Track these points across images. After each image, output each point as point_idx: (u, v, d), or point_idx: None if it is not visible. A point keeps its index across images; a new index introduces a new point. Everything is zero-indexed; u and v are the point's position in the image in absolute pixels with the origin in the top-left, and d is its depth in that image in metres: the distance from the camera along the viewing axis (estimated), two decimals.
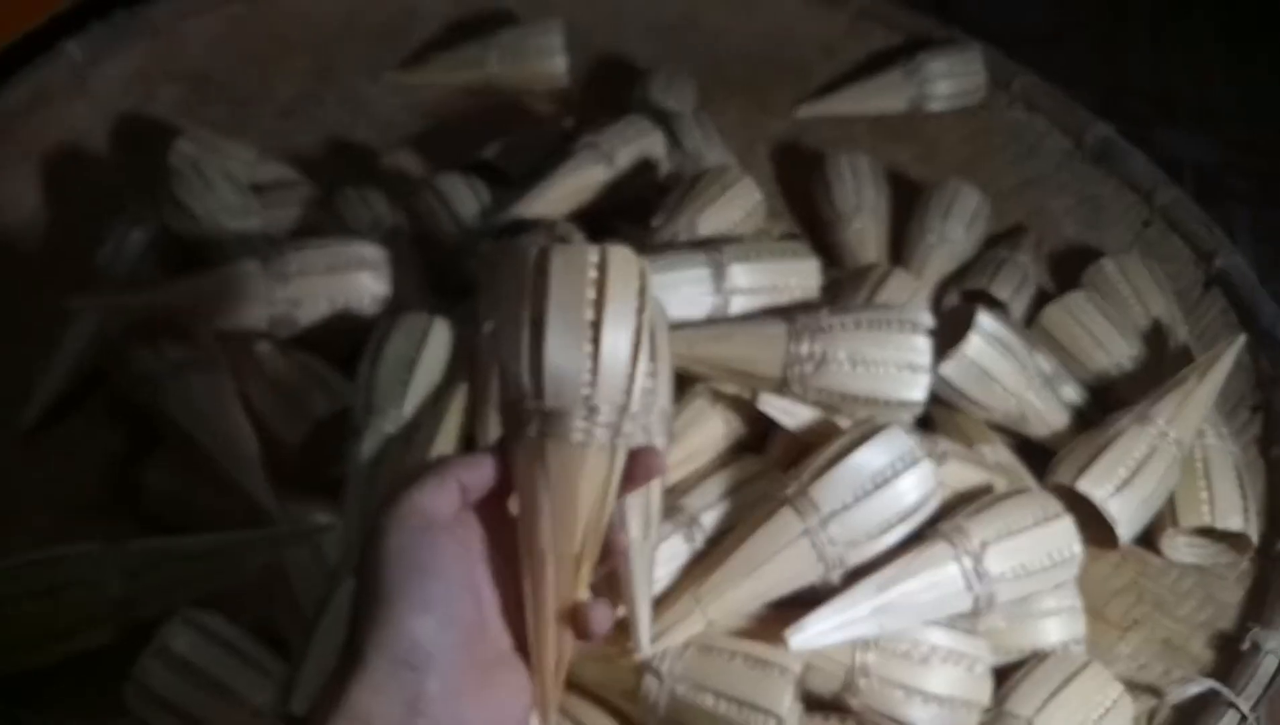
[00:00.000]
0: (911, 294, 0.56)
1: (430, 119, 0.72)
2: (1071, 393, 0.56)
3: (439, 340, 0.48)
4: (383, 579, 0.28)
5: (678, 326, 0.48)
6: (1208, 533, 0.53)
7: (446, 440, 0.45)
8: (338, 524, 0.45)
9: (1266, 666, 0.48)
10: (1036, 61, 0.74)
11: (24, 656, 0.44)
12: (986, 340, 0.52)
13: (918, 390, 0.46)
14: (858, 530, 0.42)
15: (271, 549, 0.45)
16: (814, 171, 0.66)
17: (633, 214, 0.58)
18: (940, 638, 0.43)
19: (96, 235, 0.58)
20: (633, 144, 0.59)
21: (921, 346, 0.46)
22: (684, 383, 0.48)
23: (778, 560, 0.41)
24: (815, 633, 0.41)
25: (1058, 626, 0.47)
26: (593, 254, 0.30)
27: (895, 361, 0.46)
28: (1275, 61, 0.88)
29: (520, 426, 0.30)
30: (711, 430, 0.48)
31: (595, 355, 0.29)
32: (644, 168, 0.60)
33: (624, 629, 0.38)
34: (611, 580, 0.35)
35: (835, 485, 0.42)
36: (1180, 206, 0.67)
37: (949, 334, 0.52)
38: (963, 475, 0.48)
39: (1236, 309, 0.62)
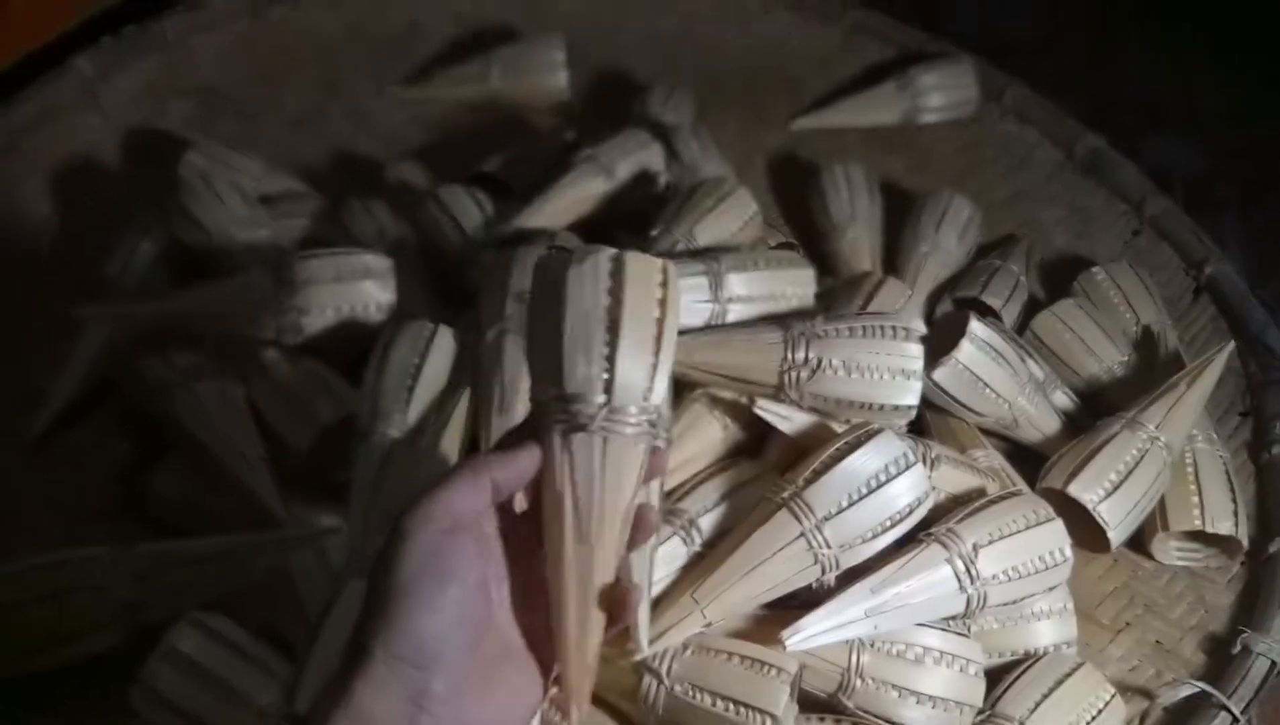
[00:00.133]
0: (904, 302, 0.57)
1: (434, 132, 0.73)
2: (1063, 398, 0.57)
3: (442, 347, 0.49)
4: (400, 577, 0.28)
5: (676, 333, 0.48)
6: (1198, 536, 0.54)
7: (450, 445, 0.46)
8: (343, 528, 0.46)
9: (1258, 669, 0.49)
10: (1025, 73, 0.75)
11: (30, 660, 0.45)
12: (979, 347, 0.53)
13: (910, 395, 0.47)
14: (852, 532, 0.43)
15: (278, 552, 0.46)
16: (809, 182, 0.67)
17: (632, 225, 0.59)
18: (934, 639, 0.43)
19: (106, 247, 0.59)
20: (632, 156, 0.61)
21: (914, 353, 0.47)
22: (682, 388, 0.49)
23: (774, 562, 0.42)
24: (811, 634, 0.42)
25: (1050, 629, 0.47)
26: (659, 265, 0.33)
27: (888, 367, 0.47)
28: (1262, 70, 0.89)
29: (572, 422, 0.31)
30: (709, 435, 0.49)
31: (656, 360, 0.32)
32: (643, 179, 0.61)
33: (623, 630, 0.39)
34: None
35: (830, 488, 0.42)
36: (1170, 216, 0.68)
37: (942, 341, 0.53)
38: (955, 479, 0.48)
39: (1226, 316, 0.63)
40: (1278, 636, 0.50)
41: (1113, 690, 0.46)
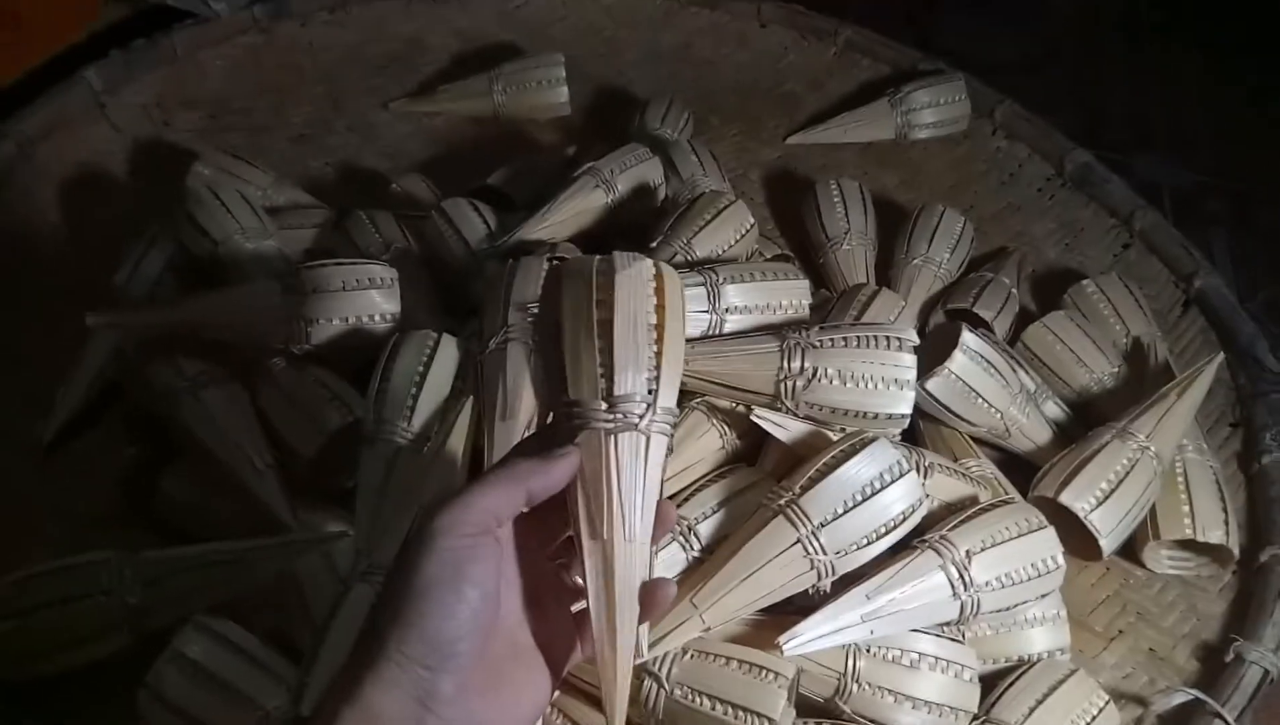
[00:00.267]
0: (898, 313, 0.58)
1: (438, 146, 0.74)
2: (1054, 408, 0.58)
3: (446, 356, 0.50)
4: (421, 580, 0.28)
5: None
6: (1190, 545, 0.54)
7: (454, 450, 0.46)
8: (349, 532, 0.47)
9: (1250, 677, 0.49)
10: (1016, 91, 0.77)
11: (37, 664, 0.45)
12: (971, 357, 0.54)
13: (904, 404, 0.48)
14: (848, 539, 0.43)
15: (284, 557, 0.46)
16: (804, 196, 0.68)
17: (631, 237, 0.60)
18: (929, 645, 0.44)
19: (115, 256, 0.59)
20: (631, 170, 0.62)
21: (907, 362, 0.48)
22: (681, 397, 0.49)
23: (771, 568, 0.43)
24: (808, 639, 0.42)
25: (1043, 636, 0.48)
26: (675, 273, 0.34)
27: (882, 377, 0.47)
28: (1250, 87, 0.91)
29: (621, 422, 0.32)
30: (707, 442, 0.50)
31: (681, 364, 0.33)
32: (642, 193, 0.62)
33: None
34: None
35: (826, 496, 0.43)
36: (1159, 230, 0.69)
37: (936, 352, 0.54)
38: (949, 487, 0.49)
39: (1215, 329, 0.64)
40: (1270, 645, 0.50)
41: (1106, 697, 0.47)
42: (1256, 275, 0.77)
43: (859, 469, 0.43)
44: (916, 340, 0.49)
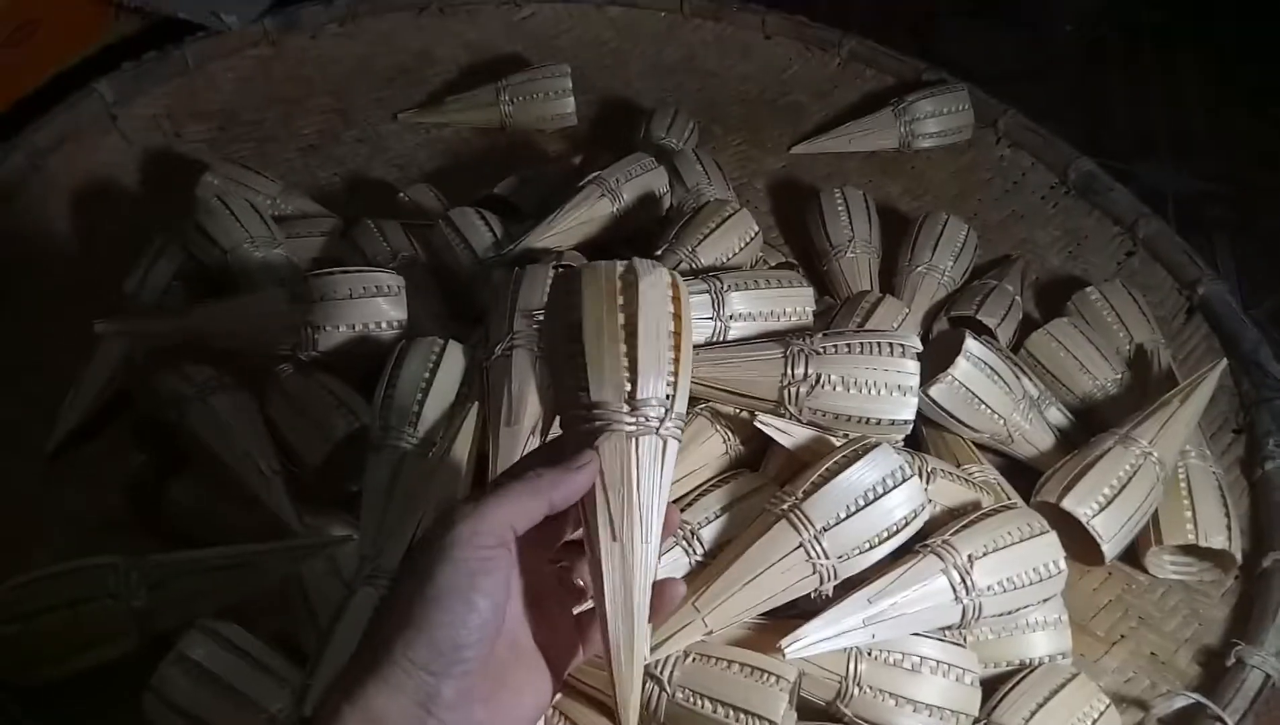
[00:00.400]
0: (901, 320, 0.58)
1: (445, 156, 0.75)
2: (1057, 415, 0.58)
3: (452, 363, 0.50)
4: (435, 588, 0.28)
5: None
6: (1192, 551, 0.54)
7: (459, 456, 0.47)
8: (354, 537, 0.47)
9: (1252, 682, 0.49)
10: (1019, 100, 0.78)
11: (44, 668, 0.45)
12: (974, 364, 0.54)
13: (907, 410, 0.48)
14: (850, 543, 0.43)
15: (289, 561, 0.46)
16: (809, 205, 0.69)
17: (637, 245, 0.60)
18: (930, 649, 0.44)
19: (124, 265, 0.60)
20: (637, 179, 0.62)
21: (910, 369, 0.48)
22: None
23: (774, 572, 0.43)
24: (810, 642, 0.42)
25: (1045, 640, 0.48)
26: (683, 282, 0.35)
27: (886, 383, 0.48)
28: (1251, 93, 0.91)
29: (641, 426, 0.32)
30: (711, 448, 0.50)
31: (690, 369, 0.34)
32: (647, 201, 0.63)
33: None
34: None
35: (829, 500, 0.43)
36: (1162, 237, 0.70)
37: (939, 358, 0.54)
38: (951, 492, 0.49)
39: (1219, 335, 0.64)
40: (1272, 650, 0.50)
41: (1107, 701, 0.47)
42: (1260, 281, 0.77)
43: (862, 474, 0.44)
44: (920, 347, 0.49)
